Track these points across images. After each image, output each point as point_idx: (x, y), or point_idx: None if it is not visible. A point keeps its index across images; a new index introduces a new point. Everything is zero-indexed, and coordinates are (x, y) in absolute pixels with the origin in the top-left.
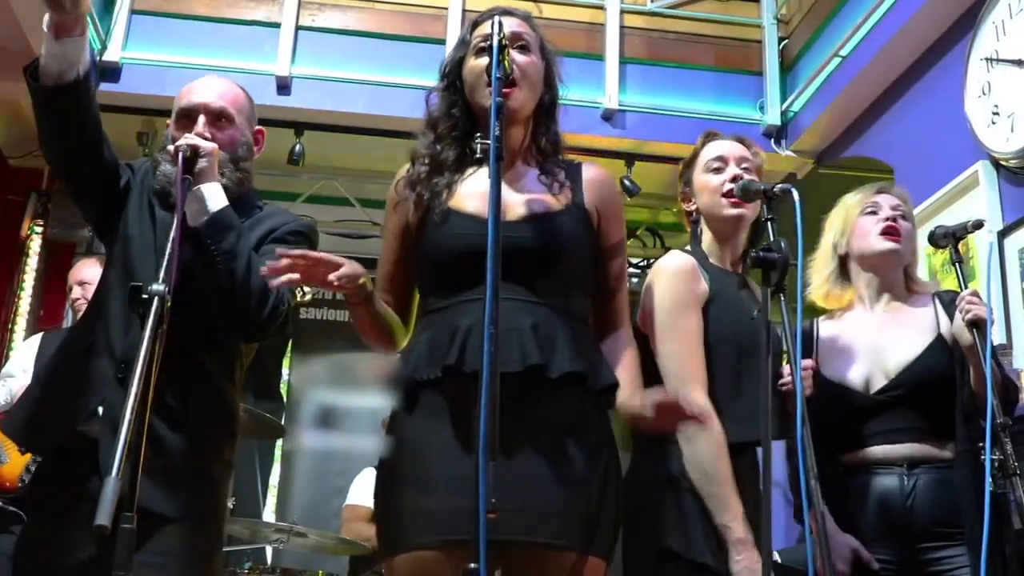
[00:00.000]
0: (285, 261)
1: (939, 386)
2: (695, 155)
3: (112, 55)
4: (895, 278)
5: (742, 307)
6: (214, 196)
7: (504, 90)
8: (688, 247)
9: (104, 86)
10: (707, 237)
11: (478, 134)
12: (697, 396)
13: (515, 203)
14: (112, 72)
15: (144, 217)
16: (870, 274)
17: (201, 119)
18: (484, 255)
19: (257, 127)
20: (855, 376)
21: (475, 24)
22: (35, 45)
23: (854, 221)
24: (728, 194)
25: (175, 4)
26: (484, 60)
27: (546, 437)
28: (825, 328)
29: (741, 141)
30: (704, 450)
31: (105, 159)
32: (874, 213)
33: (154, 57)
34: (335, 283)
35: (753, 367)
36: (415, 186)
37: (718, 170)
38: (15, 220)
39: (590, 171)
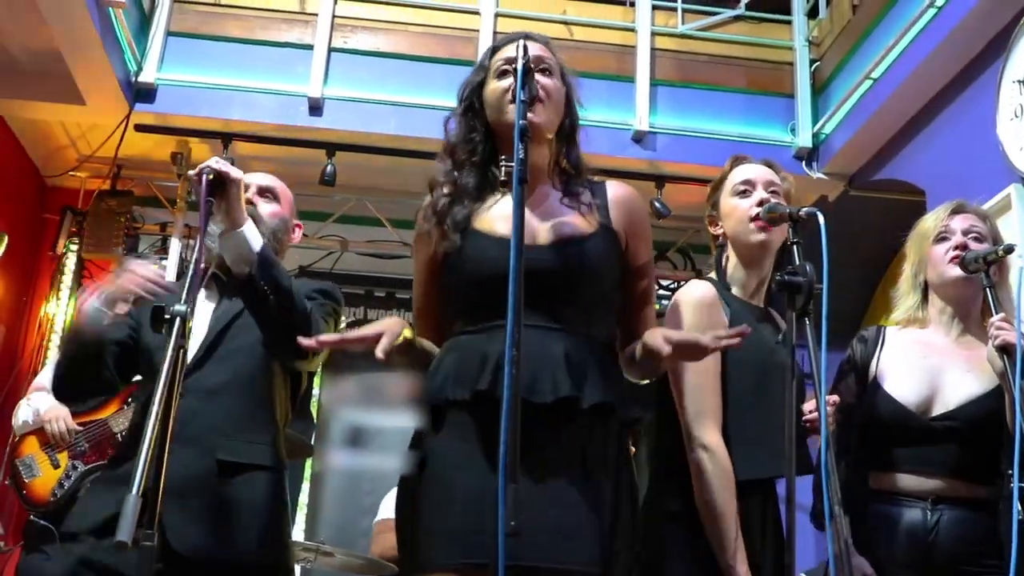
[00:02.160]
0: (322, 346)
1: (995, 427)
2: (722, 179)
3: (148, 76)
4: (970, 310)
5: (761, 340)
6: (254, 236)
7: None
8: (711, 274)
9: (139, 106)
10: (732, 262)
11: (503, 157)
12: (710, 432)
13: (543, 227)
14: (148, 93)
15: None
16: (943, 303)
17: (252, 188)
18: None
19: (296, 222)
20: (912, 396)
21: (494, 49)
22: (73, 68)
23: (929, 249)
24: (755, 219)
25: (210, 26)
26: (507, 81)
27: (571, 464)
28: (892, 338)
29: (770, 166)
30: (711, 485)
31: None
32: (946, 239)
33: (189, 78)
34: (383, 358)
35: (768, 403)
36: (437, 215)
37: (745, 193)
38: (51, 238)
39: (615, 190)
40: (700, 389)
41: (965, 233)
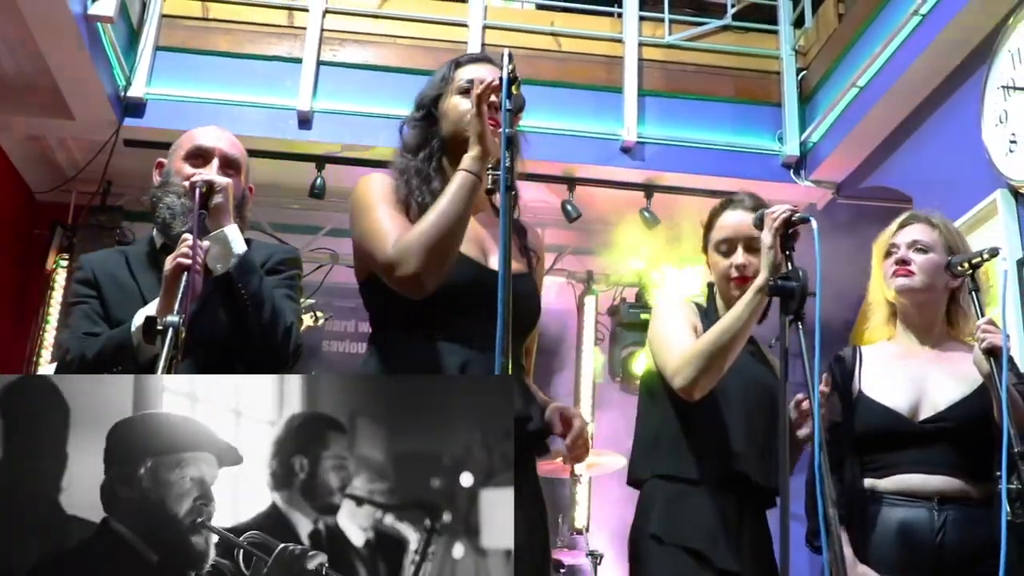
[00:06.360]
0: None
1: (986, 426)
2: (711, 222)
3: (137, 91)
4: (930, 318)
5: (742, 362)
6: (237, 239)
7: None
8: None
9: (128, 121)
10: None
11: (489, 166)
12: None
13: (495, 257)
14: (137, 107)
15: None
16: (904, 314)
17: (216, 162)
18: (472, 296)
19: (249, 184)
20: (901, 402)
21: (457, 63)
22: (61, 83)
23: (880, 265)
24: (736, 279)
25: (198, 41)
26: (467, 103)
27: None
28: (869, 354)
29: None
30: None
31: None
32: (892, 254)
33: (178, 93)
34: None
35: (749, 418)
36: (409, 190)
37: (726, 253)
38: (41, 254)
39: (533, 235)
40: (676, 332)
41: (909, 246)
